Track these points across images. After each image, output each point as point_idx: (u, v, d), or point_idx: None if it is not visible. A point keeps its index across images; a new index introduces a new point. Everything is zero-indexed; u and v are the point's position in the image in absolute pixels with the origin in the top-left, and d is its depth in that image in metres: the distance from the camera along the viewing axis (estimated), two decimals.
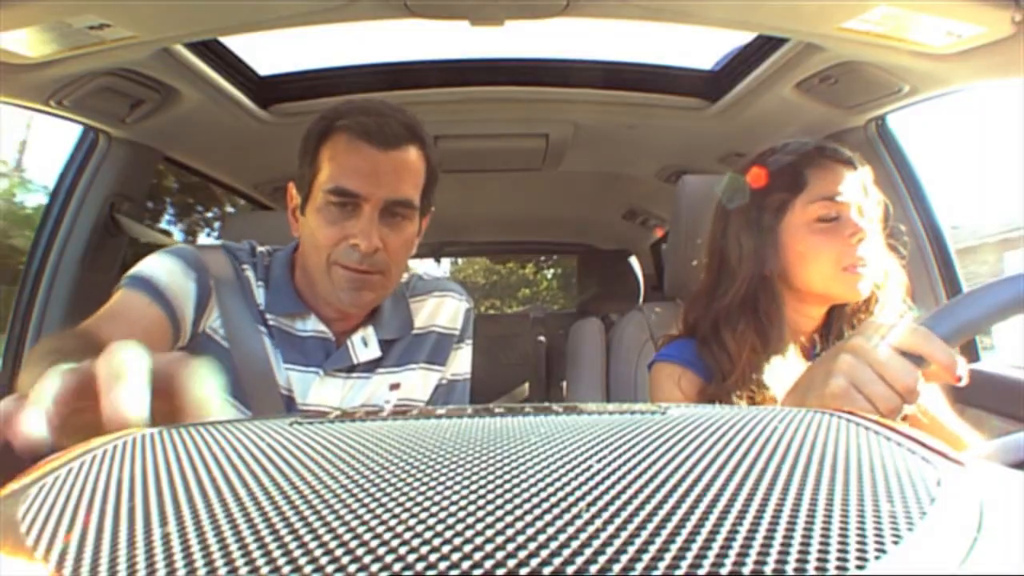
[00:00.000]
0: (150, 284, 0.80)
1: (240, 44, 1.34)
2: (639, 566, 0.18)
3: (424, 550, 0.19)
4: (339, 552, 0.19)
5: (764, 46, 1.26)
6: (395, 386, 0.90)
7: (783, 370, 0.81)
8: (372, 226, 0.79)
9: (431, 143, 0.86)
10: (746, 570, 0.18)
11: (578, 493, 0.22)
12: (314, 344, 0.86)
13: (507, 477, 0.24)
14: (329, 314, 0.87)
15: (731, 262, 0.87)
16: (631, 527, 0.20)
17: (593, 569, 0.18)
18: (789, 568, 0.18)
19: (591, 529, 0.20)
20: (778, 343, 0.82)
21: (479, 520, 0.21)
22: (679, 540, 0.19)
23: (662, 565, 0.18)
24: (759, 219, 0.86)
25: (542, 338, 2.66)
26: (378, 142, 0.79)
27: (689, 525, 0.20)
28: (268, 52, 1.41)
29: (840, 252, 0.82)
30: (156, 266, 0.82)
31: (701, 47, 1.44)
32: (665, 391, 0.88)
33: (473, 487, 0.23)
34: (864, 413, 0.35)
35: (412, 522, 0.21)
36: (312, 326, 0.87)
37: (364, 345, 0.88)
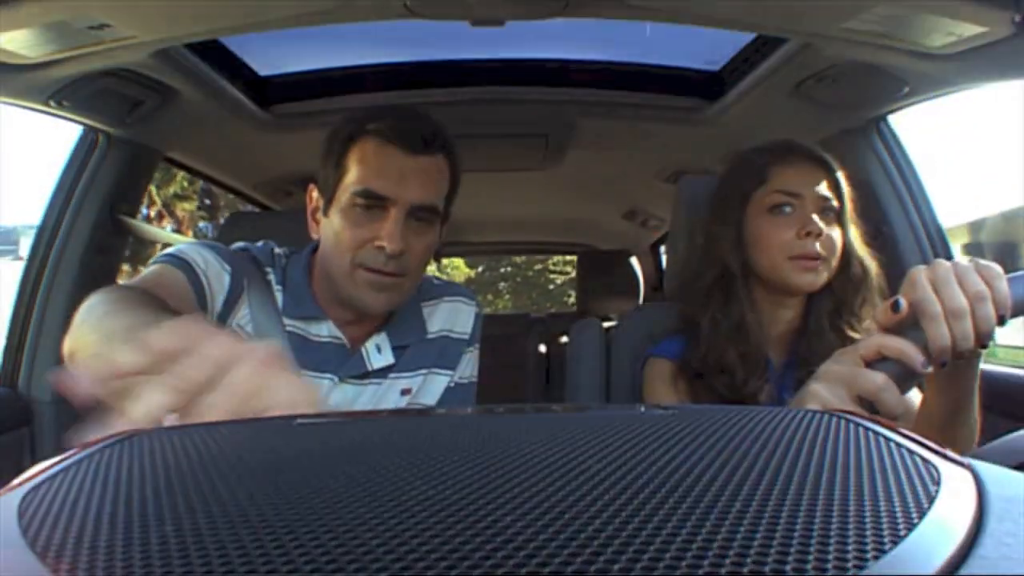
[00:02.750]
0: (189, 267, 0.79)
1: (240, 44, 1.33)
2: (639, 566, 0.18)
3: (424, 550, 0.19)
4: (339, 552, 0.19)
5: (764, 46, 1.25)
6: (406, 391, 0.90)
7: (756, 348, 0.87)
8: (398, 228, 0.79)
9: (456, 151, 0.86)
10: (746, 570, 0.18)
11: (578, 493, 0.23)
12: (328, 350, 0.86)
13: (507, 477, 0.24)
14: (345, 318, 0.86)
15: (708, 251, 0.94)
16: (631, 527, 0.20)
17: (593, 569, 0.18)
18: (789, 568, 0.18)
19: (591, 529, 0.20)
20: (754, 326, 0.89)
21: (479, 520, 0.21)
22: (679, 540, 0.19)
23: (662, 565, 0.18)
24: (726, 209, 0.93)
25: (542, 344, 2.66)
26: (408, 147, 0.80)
27: (689, 525, 0.20)
28: (268, 52, 1.41)
29: (789, 243, 0.87)
30: (194, 253, 0.81)
31: (701, 47, 1.44)
32: (656, 387, 0.93)
33: (473, 487, 0.23)
34: (864, 413, 0.35)
35: (412, 522, 0.21)
36: (327, 331, 0.86)
37: (378, 352, 0.88)
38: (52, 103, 1.16)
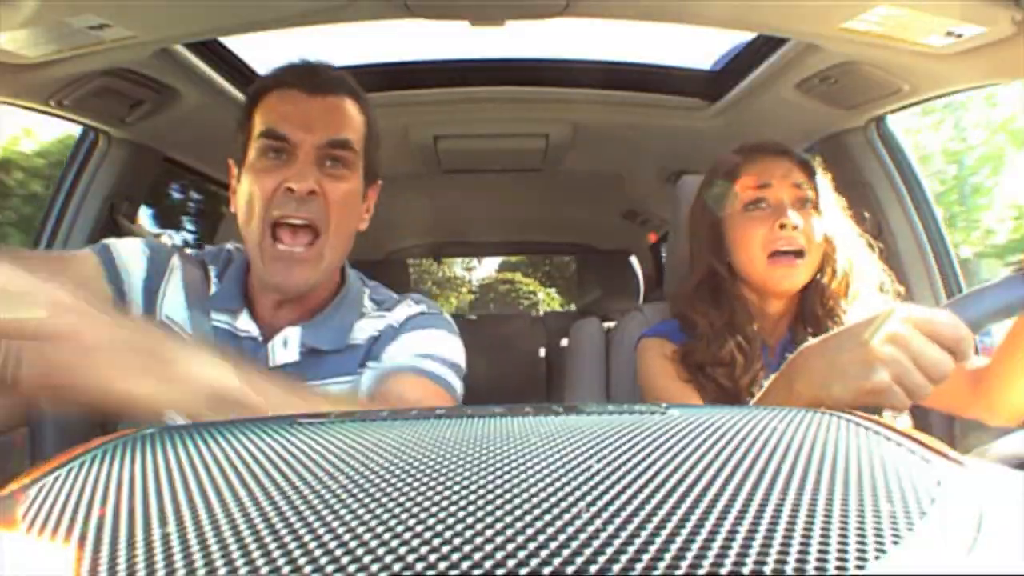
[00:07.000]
0: (106, 248, 0.79)
1: (240, 44, 1.34)
2: (639, 566, 0.18)
3: (424, 550, 0.19)
4: (339, 552, 0.19)
5: (764, 46, 1.25)
6: None
7: (750, 340, 0.89)
8: (308, 169, 0.76)
9: (367, 100, 0.84)
10: (746, 570, 0.18)
11: (578, 493, 0.23)
12: (245, 345, 0.79)
13: (507, 477, 0.24)
14: (269, 304, 0.81)
15: (696, 252, 0.96)
16: (631, 527, 0.20)
17: (593, 569, 0.18)
18: (789, 568, 0.18)
19: (591, 529, 0.20)
20: (745, 322, 0.90)
21: (479, 520, 0.21)
22: (679, 540, 0.19)
23: (662, 565, 0.18)
24: (706, 211, 0.95)
25: (542, 344, 2.66)
26: (308, 88, 0.79)
27: (689, 525, 0.20)
28: (268, 52, 1.41)
29: (765, 238, 0.87)
30: (119, 241, 0.82)
31: (701, 47, 1.44)
32: (648, 360, 0.95)
33: (473, 487, 0.23)
34: (863, 413, 0.35)
35: (412, 522, 0.21)
36: (244, 325, 0.80)
37: (284, 347, 0.79)
38: (52, 103, 1.16)
